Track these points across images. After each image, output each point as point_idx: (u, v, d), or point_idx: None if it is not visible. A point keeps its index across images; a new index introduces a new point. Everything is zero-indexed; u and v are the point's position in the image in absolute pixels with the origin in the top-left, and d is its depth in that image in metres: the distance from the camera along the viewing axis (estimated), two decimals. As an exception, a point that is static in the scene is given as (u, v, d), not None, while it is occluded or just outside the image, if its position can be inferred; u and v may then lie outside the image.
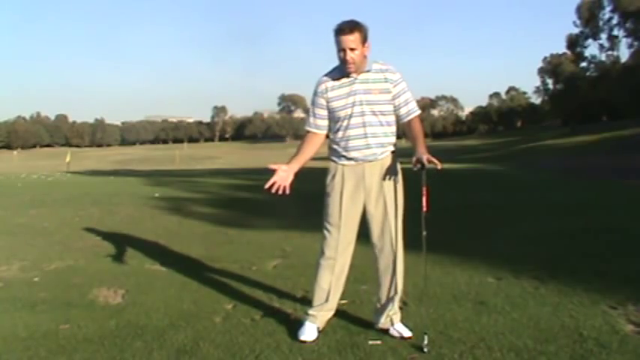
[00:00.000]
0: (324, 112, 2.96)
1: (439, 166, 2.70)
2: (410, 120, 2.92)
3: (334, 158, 2.98)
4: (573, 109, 56.23)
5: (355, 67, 2.83)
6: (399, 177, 2.95)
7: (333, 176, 2.97)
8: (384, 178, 2.90)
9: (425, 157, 2.72)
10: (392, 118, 2.94)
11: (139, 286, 4.09)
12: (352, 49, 2.77)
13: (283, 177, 2.91)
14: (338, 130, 2.93)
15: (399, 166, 2.97)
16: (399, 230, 2.94)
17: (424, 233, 2.82)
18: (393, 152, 2.96)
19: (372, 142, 2.88)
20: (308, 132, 3.02)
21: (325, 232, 2.98)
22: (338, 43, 2.79)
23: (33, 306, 3.65)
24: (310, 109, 3.03)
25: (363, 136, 2.88)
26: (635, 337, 2.80)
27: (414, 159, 2.75)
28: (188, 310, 3.48)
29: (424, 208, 2.81)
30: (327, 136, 3.03)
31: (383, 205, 2.90)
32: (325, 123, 2.98)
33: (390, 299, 2.96)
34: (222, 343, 2.91)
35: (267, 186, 2.90)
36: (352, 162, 2.92)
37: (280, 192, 2.90)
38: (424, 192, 2.79)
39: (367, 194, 2.91)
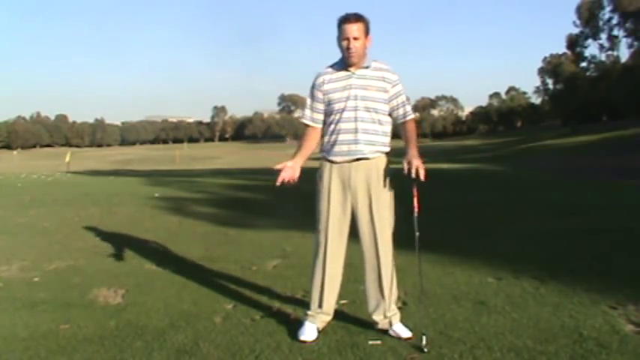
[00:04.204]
0: (321, 106, 2.98)
1: (422, 177, 2.73)
2: (406, 122, 2.93)
3: (324, 154, 3.00)
4: (573, 109, 56.22)
5: (357, 58, 2.85)
6: (387, 180, 2.93)
7: (321, 174, 2.98)
8: (371, 179, 2.90)
9: (415, 162, 2.73)
10: (385, 118, 2.94)
11: (139, 286, 4.09)
12: (356, 39, 2.80)
13: (290, 173, 2.95)
14: (331, 123, 2.95)
15: (387, 167, 2.95)
16: (386, 231, 2.92)
17: (417, 234, 2.82)
18: (384, 153, 2.95)
19: (362, 138, 2.88)
20: (306, 126, 3.04)
21: (316, 232, 3.00)
22: (342, 32, 2.82)
23: (33, 306, 3.65)
24: (308, 102, 3.04)
25: (353, 131, 2.89)
26: (635, 337, 2.80)
27: (404, 161, 2.77)
28: (188, 310, 3.48)
29: (415, 209, 2.81)
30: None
31: (368, 206, 2.90)
32: (322, 117, 3.00)
33: (379, 298, 2.96)
34: (222, 343, 2.91)
35: (278, 183, 2.94)
36: (339, 157, 2.92)
37: (292, 182, 2.96)
38: (415, 193, 2.80)
39: (353, 194, 2.91)
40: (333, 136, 2.94)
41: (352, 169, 2.90)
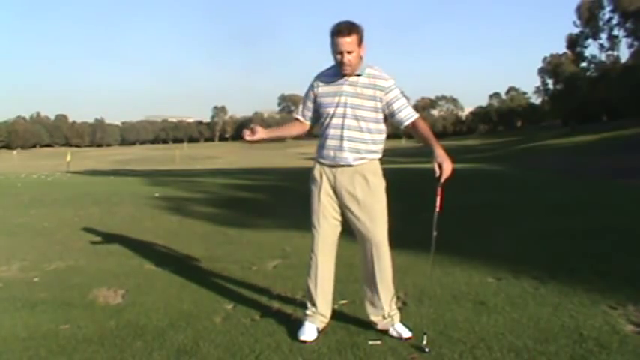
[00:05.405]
0: (311, 105, 3.03)
1: (442, 178, 2.73)
2: (412, 123, 2.91)
3: (316, 155, 3.05)
4: (573, 109, 56.22)
5: (351, 70, 2.86)
6: (377, 183, 2.93)
7: (313, 175, 3.03)
8: (356, 183, 2.90)
9: (445, 165, 2.71)
10: (375, 126, 2.93)
11: (139, 286, 4.09)
12: (349, 52, 2.78)
13: (248, 132, 3.01)
14: (321, 126, 3.01)
15: (377, 170, 2.95)
16: (379, 233, 2.91)
17: (435, 233, 2.82)
18: (372, 160, 2.94)
19: (346, 145, 2.89)
20: (295, 118, 3.12)
21: (311, 230, 3.03)
22: (335, 45, 2.80)
23: (33, 306, 3.65)
24: (302, 99, 3.12)
25: (339, 138, 2.91)
26: (635, 337, 2.80)
27: (434, 163, 2.74)
28: (188, 310, 3.48)
29: (437, 209, 2.81)
30: (310, 132, 3.16)
31: (357, 209, 2.90)
32: (311, 115, 3.06)
33: (376, 299, 2.96)
34: (222, 343, 2.91)
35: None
36: (326, 161, 2.97)
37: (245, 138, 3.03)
38: (439, 192, 2.79)
39: (340, 197, 2.94)
40: (322, 140, 3.00)
41: (337, 173, 2.94)
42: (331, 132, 2.93)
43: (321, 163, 3.00)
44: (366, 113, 2.89)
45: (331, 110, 2.92)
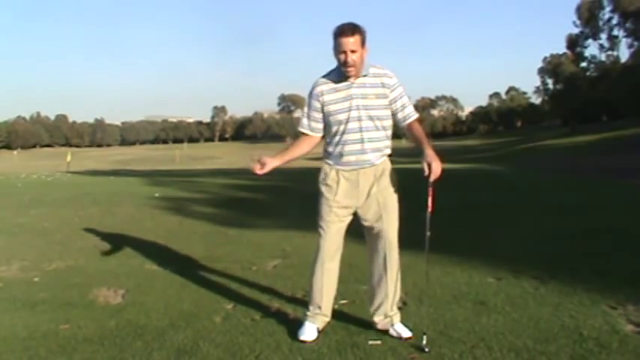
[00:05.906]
0: (319, 115, 2.95)
1: (432, 177, 2.71)
2: (409, 124, 2.92)
3: (329, 161, 2.97)
4: (573, 109, 56.22)
5: (355, 70, 2.82)
6: (394, 180, 2.95)
7: (326, 178, 2.96)
8: (377, 182, 2.90)
9: (434, 164, 2.69)
10: (388, 123, 2.94)
11: (139, 286, 4.09)
12: (353, 52, 2.76)
13: (258, 167, 2.90)
14: (335, 134, 2.92)
15: (392, 169, 2.97)
16: (393, 232, 2.92)
17: (428, 233, 2.82)
18: (388, 155, 2.97)
19: (368, 147, 2.88)
20: (302, 134, 3.01)
21: (318, 232, 3.00)
22: (338, 45, 2.77)
23: (33, 306, 3.65)
24: (305, 111, 3.01)
25: (360, 141, 2.88)
26: (635, 337, 2.80)
27: (424, 162, 2.73)
28: (188, 310, 3.48)
29: (429, 209, 2.81)
30: (323, 138, 3.04)
31: (377, 208, 2.90)
32: (320, 126, 2.97)
33: (383, 298, 2.96)
34: (222, 343, 2.91)
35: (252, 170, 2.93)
36: (347, 167, 2.92)
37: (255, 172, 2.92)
38: (430, 192, 2.79)
39: (360, 199, 2.91)
40: (339, 147, 2.91)
41: (360, 175, 2.91)
42: (349, 137, 2.88)
43: (338, 169, 2.94)
44: (379, 112, 2.88)
45: (344, 116, 2.87)
